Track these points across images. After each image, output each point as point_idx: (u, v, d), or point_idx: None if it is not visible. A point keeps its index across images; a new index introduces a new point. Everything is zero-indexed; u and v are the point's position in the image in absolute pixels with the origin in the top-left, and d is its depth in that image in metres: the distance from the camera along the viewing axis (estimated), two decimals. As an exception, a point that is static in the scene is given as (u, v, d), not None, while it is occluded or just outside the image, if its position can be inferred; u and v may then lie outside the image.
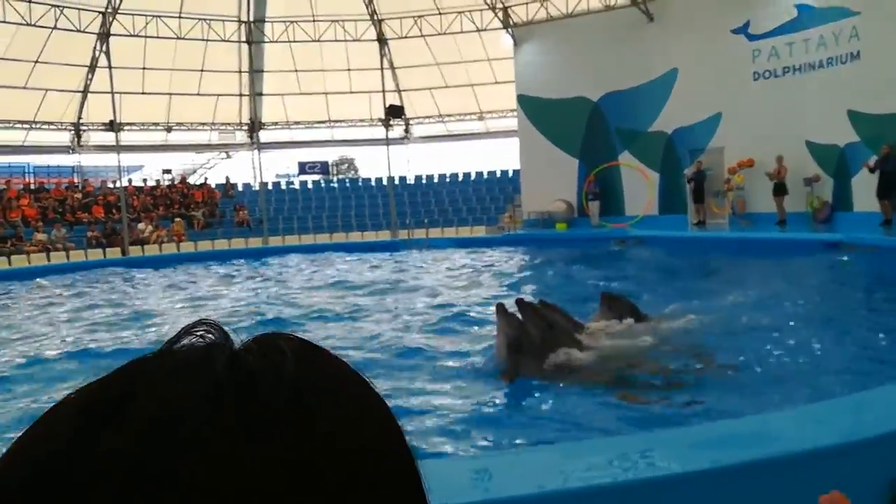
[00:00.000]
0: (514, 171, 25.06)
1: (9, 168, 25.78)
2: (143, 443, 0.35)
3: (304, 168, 28.35)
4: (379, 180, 27.37)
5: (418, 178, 28.08)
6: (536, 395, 4.75)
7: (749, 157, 16.81)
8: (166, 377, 0.38)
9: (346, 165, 34.06)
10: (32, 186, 23.64)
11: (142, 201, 22.93)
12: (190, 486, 0.34)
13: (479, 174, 27.79)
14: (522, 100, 21.56)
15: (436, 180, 27.84)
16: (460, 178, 27.89)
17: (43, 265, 18.05)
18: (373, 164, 30.28)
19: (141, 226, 21.49)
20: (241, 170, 27.81)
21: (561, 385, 4.78)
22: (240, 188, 26.06)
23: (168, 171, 26.55)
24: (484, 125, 28.38)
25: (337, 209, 25.39)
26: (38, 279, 14.83)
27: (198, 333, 0.42)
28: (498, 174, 27.41)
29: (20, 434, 0.37)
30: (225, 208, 24.19)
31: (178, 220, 22.30)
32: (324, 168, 28.93)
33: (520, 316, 5.26)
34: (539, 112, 21.12)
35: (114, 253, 19.95)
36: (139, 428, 0.35)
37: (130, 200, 22.09)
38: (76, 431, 0.35)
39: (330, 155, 30.32)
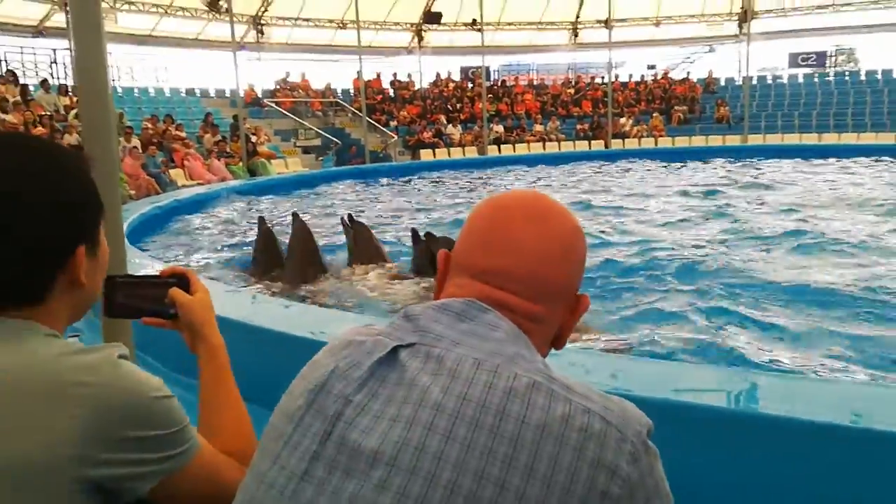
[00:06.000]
0: None
1: (517, 66, 29.58)
2: None
3: (795, 60, 25.91)
4: (887, 72, 23.52)
5: (941, 69, 23.22)
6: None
7: None
8: None
9: (845, 56, 29.99)
10: (535, 83, 26.75)
11: (625, 97, 24.06)
12: None
13: None
14: None
15: (968, 72, 22.67)
16: None
17: (539, 153, 20.62)
18: (879, 54, 26.05)
19: (622, 120, 22.69)
20: (725, 64, 26.79)
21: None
22: (722, 83, 25.25)
23: (652, 67, 27.10)
24: None
25: (830, 106, 22.79)
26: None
27: None
28: None
29: None
30: (705, 104, 23.83)
31: (656, 115, 22.91)
32: (819, 59, 25.96)
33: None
34: None
35: (597, 145, 21.66)
36: None
37: (615, 96, 23.34)
38: None
39: (827, 44, 27.01)
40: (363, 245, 5.60)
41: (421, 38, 26.27)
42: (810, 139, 20.37)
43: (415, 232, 5.50)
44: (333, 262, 5.78)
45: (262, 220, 6.10)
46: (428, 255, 5.25)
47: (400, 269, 5.54)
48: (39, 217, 0.95)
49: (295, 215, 5.78)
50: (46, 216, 0.95)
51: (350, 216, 5.88)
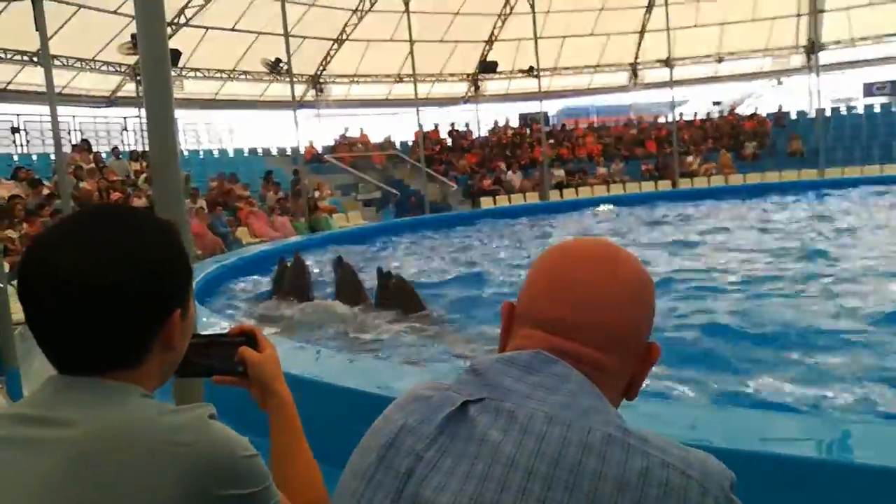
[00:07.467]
0: None
1: (576, 110, 29.35)
2: None
3: (869, 90, 24.85)
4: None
5: None
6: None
7: None
8: None
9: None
10: (595, 125, 26.38)
11: (691, 134, 23.41)
12: None
13: None
14: None
15: None
16: None
17: (602, 196, 20.09)
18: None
19: (690, 158, 22.01)
20: (794, 97, 25.87)
21: None
22: (793, 116, 24.32)
23: (717, 104, 26.41)
24: None
25: (911, 134, 21.62)
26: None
27: None
28: None
29: None
30: (776, 138, 22.95)
31: (723, 151, 22.16)
32: (894, 88, 24.84)
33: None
34: None
35: (664, 185, 21.00)
36: None
37: (680, 134, 22.71)
38: None
39: (903, 71, 25.81)
40: (344, 283, 6.61)
41: (477, 88, 26.36)
42: (892, 170, 19.25)
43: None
44: (318, 296, 6.78)
45: (281, 259, 7.12)
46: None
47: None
48: (143, 286, 0.96)
49: (296, 256, 6.93)
50: (150, 285, 0.97)
51: (339, 258, 6.89)
